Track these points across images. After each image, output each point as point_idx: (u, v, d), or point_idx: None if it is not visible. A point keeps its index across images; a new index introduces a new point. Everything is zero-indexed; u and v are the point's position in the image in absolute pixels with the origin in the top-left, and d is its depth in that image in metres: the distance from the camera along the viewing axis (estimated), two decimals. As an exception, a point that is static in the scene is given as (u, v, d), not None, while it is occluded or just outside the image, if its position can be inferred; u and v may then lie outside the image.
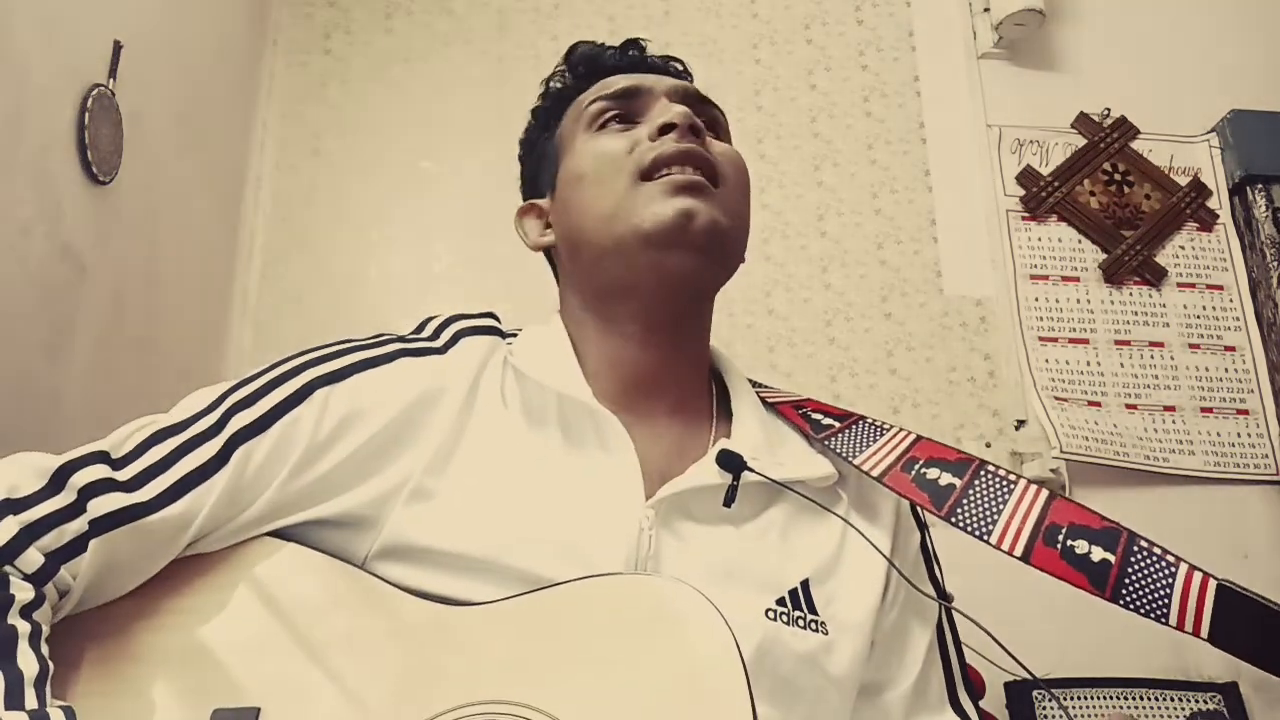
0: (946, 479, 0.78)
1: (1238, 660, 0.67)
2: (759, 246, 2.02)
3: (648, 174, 0.77)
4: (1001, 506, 0.76)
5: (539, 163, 0.91)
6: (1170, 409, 1.96)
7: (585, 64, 0.90)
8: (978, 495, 0.77)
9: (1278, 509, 1.91)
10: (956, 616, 0.82)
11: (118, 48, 1.52)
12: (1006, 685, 1.71)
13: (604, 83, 0.87)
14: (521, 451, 0.74)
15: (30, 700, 0.57)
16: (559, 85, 0.91)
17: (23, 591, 0.61)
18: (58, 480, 0.64)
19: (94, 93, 1.45)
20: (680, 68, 0.92)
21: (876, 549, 0.76)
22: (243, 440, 0.69)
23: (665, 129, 0.79)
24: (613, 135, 0.82)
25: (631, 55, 0.90)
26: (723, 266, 0.81)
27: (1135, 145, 2.15)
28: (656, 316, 0.79)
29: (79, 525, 0.64)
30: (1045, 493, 0.77)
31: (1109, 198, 2.11)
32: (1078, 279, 2.05)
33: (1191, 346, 2.02)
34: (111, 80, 1.51)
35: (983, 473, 0.79)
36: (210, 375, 1.81)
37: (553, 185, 0.87)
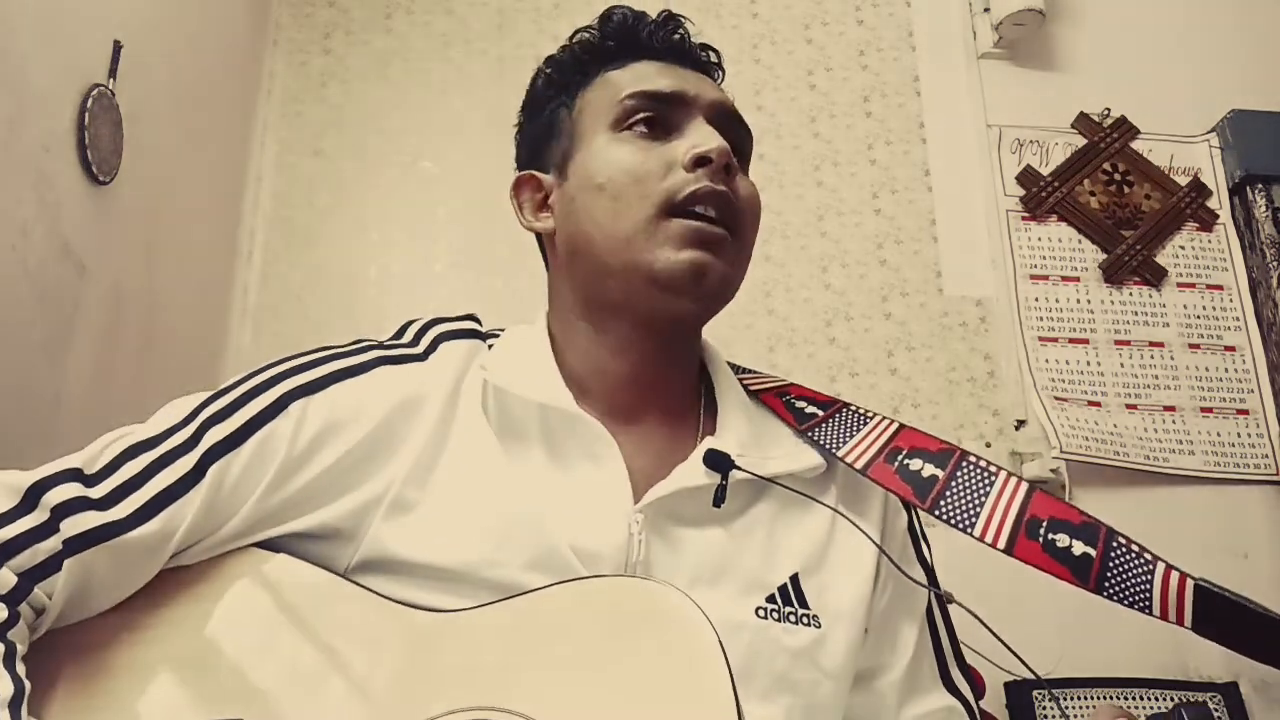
0: (929, 470, 0.78)
1: (1238, 660, 0.68)
2: (759, 246, 2.00)
3: (676, 209, 0.73)
4: (983, 498, 0.76)
5: (547, 131, 0.83)
6: (1170, 409, 1.96)
7: (619, 36, 0.82)
8: (960, 487, 0.77)
9: (1278, 509, 1.91)
10: (961, 614, 0.82)
11: (118, 48, 1.52)
12: (1006, 685, 1.71)
13: (641, 73, 0.80)
14: (503, 460, 0.72)
15: None
16: (585, 50, 0.83)
17: None
18: (30, 499, 0.63)
19: (94, 93, 1.45)
20: (718, 62, 0.88)
21: (874, 542, 0.76)
22: (218, 455, 0.68)
23: (701, 161, 0.74)
24: (641, 147, 0.76)
25: (672, 40, 0.83)
26: (719, 307, 0.81)
27: (1135, 145, 2.14)
28: (648, 338, 0.78)
29: (52, 545, 0.62)
30: (1025, 485, 0.77)
31: (1109, 198, 2.10)
32: (1078, 279, 2.05)
33: (1191, 346, 2.02)
34: (111, 80, 1.50)
35: (964, 463, 0.78)
36: (210, 375, 1.81)
37: (561, 168, 0.80)
